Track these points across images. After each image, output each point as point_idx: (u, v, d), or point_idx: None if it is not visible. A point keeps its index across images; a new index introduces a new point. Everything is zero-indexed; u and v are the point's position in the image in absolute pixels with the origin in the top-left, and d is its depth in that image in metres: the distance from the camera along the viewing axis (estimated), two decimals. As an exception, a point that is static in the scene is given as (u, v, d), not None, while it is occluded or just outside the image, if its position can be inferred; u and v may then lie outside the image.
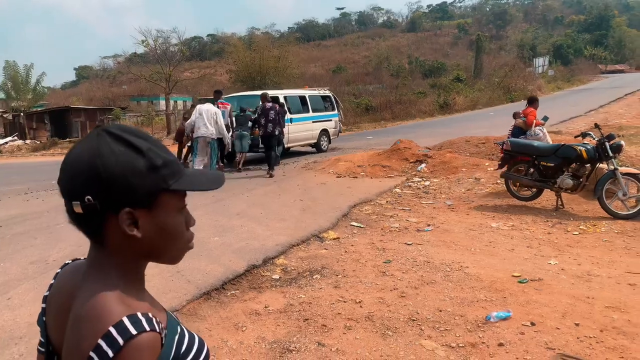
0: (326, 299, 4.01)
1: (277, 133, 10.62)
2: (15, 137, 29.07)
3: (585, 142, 7.06)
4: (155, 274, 4.57)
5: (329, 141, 15.54)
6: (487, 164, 9.80)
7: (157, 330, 0.79)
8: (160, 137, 27.19)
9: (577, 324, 3.36)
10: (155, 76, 35.38)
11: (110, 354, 0.74)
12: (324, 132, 15.18)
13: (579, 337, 3.20)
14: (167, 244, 0.88)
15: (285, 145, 13.40)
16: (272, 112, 10.54)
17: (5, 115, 31.17)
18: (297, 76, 42.21)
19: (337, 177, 10.13)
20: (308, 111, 14.58)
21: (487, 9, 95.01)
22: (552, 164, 6.88)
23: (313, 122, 14.72)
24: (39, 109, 33.56)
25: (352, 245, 5.53)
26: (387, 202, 7.84)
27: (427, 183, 9.13)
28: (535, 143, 7.47)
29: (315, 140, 14.91)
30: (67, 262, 0.99)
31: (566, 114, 20.86)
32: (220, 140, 10.31)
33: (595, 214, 6.50)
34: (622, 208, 6.35)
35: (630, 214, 6.20)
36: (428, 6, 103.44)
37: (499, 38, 71.67)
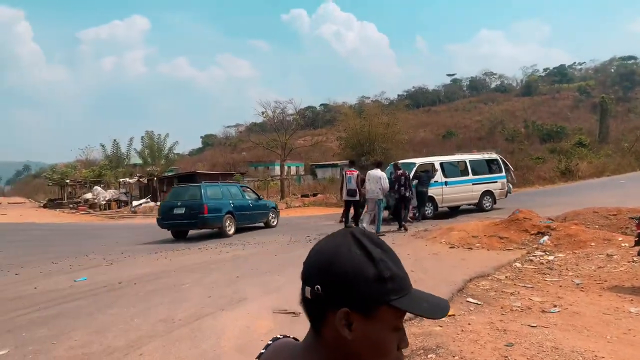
0: (443, 381, 3.81)
1: (407, 195, 12.99)
2: (149, 199, 32.27)
3: None
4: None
5: (494, 201, 16.77)
6: (620, 238, 8.91)
7: None
8: (274, 200, 28.57)
9: None
10: (272, 144, 37.71)
11: None
12: (487, 192, 16.58)
13: None
14: (372, 356, 0.88)
15: (440, 205, 15.60)
16: (402, 178, 12.97)
17: (141, 179, 34.88)
18: (406, 142, 42.39)
19: (450, 247, 9.80)
20: (467, 174, 16.22)
21: (612, 70, 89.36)
22: (702, 243, 6.08)
23: (473, 184, 16.23)
24: (170, 174, 37.19)
25: (468, 324, 5.23)
26: (506, 277, 7.38)
27: (551, 258, 8.48)
28: (680, 219, 6.69)
29: (477, 201, 16.40)
30: (277, 336, 1.06)
31: None
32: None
33: None
34: None
35: None
36: (545, 69, 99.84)
37: (627, 100, 66.64)
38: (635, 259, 7.48)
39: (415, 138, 51.45)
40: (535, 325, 5.10)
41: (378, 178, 11.85)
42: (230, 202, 14.62)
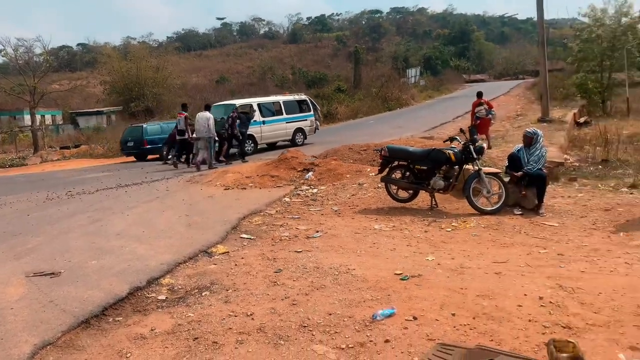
0: (216, 315, 3.92)
1: (226, 134, 14.55)
2: None
3: (452, 145, 7.70)
4: (24, 306, 4.15)
5: (305, 137, 18.54)
6: (368, 169, 10.27)
7: None
8: (26, 155, 24.72)
9: (453, 314, 3.64)
10: (18, 89, 32.16)
11: None
12: (299, 130, 18.37)
13: (455, 325, 3.47)
14: None
15: (259, 143, 17.03)
16: (229, 119, 14.54)
17: None
18: (179, 86, 40.98)
19: (225, 189, 9.96)
20: (282, 114, 17.80)
21: (363, 22, 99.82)
22: (425, 167, 7.42)
23: (287, 122, 17.90)
24: None
25: (242, 258, 5.47)
26: (276, 211, 7.88)
27: (314, 191, 9.33)
28: (410, 148, 8.01)
29: (291, 137, 18.00)
30: None
31: (437, 120, 22.63)
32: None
33: (465, 211, 7.12)
34: (487, 204, 7.04)
35: (494, 209, 6.89)
36: (308, 18, 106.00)
37: (375, 50, 75.61)
38: (379, 185, 8.74)
39: (188, 83, 49.83)
40: (300, 250, 5.61)
41: (206, 119, 13.13)
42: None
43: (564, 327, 3.37)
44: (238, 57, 78.87)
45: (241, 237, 6.41)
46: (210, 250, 5.81)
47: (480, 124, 12.79)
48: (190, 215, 7.70)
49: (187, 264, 5.36)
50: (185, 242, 6.09)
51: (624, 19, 23.56)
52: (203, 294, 4.42)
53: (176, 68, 42.16)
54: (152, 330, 3.73)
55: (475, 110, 13.60)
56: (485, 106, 13.48)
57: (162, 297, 4.44)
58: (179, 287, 4.67)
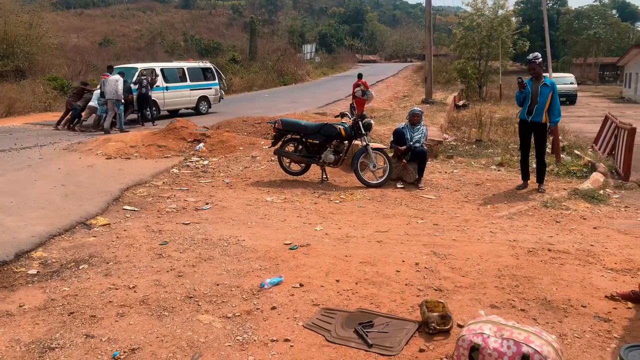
0: (95, 288, 3.71)
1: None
2: None
3: (343, 121, 7.93)
4: None
5: (209, 106, 18.30)
6: (262, 142, 10.24)
7: None
8: None
9: (337, 280, 3.80)
10: None
11: None
12: (203, 98, 18.03)
13: (339, 291, 3.62)
14: None
15: (162, 109, 16.39)
16: (144, 80, 14.40)
17: None
18: (55, 47, 37.42)
19: (107, 158, 9.35)
20: (186, 80, 17.35)
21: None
22: (317, 141, 7.58)
23: (191, 90, 17.49)
24: None
25: (125, 230, 5.20)
26: (163, 183, 7.58)
27: (205, 162, 9.11)
28: (303, 122, 8.10)
29: (195, 105, 17.68)
30: None
31: (331, 97, 23.07)
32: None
33: (353, 184, 7.41)
34: (373, 178, 7.39)
35: (379, 183, 7.27)
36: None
37: (272, 23, 74.69)
38: (273, 158, 8.77)
39: (67, 43, 45.48)
40: (188, 222, 5.47)
41: (115, 81, 13.12)
42: None
43: (436, 290, 3.67)
44: (125, 19, 73.56)
45: (124, 209, 6.10)
46: (89, 222, 5.45)
47: (356, 103, 13.51)
48: (67, 185, 7.12)
49: (62, 236, 4.99)
50: (60, 213, 5.65)
51: (500, 11, 25.70)
52: (80, 268, 4.15)
53: (53, 26, 38.19)
54: (20, 306, 3.44)
55: (355, 91, 14.47)
56: (362, 87, 14.33)
57: (33, 271, 4.10)
58: (53, 260, 4.34)
